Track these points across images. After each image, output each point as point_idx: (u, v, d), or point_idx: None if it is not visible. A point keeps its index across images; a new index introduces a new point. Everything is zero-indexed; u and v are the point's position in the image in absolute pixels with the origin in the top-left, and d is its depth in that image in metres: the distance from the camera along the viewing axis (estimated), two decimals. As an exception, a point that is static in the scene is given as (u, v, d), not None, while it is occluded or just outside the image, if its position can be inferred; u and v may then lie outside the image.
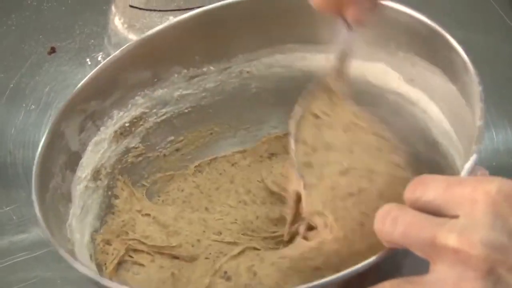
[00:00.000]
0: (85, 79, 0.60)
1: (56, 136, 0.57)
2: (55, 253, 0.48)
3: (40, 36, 0.87)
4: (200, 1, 0.75)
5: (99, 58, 0.83)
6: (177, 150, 0.67)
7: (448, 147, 0.58)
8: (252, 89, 0.67)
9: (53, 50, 0.85)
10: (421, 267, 0.42)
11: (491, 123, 0.73)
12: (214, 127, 0.68)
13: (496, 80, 0.74)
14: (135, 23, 0.81)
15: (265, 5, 0.63)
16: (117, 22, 0.82)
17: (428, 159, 0.60)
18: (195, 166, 0.68)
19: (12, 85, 0.82)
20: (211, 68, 0.66)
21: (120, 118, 0.63)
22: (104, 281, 0.47)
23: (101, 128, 0.61)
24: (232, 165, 0.68)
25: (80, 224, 0.57)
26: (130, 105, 0.63)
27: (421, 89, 0.59)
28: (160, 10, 0.79)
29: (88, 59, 0.83)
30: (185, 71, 0.65)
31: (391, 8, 0.58)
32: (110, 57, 0.61)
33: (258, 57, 0.66)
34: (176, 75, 0.65)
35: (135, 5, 0.80)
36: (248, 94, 0.67)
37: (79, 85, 0.59)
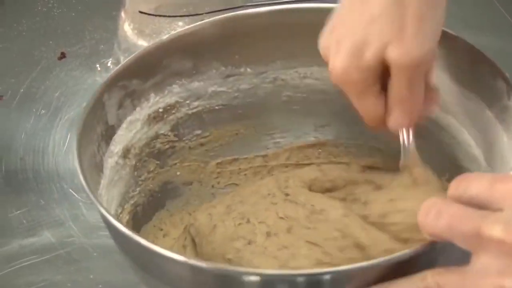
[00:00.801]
0: (130, 56, 0.60)
1: (98, 104, 0.57)
2: (65, 256, 0.47)
3: (50, 42, 0.86)
4: (208, 7, 0.77)
5: (109, 64, 0.83)
6: (201, 144, 0.67)
7: (474, 171, 0.58)
8: (283, 97, 0.68)
9: (63, 56, 0.85)
10: (455, 263, 0.42)
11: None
12: (240, 128, 0.68)
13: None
14: (145, 29, 0.82)
15: (310, 16, 0.64)
16: (127, 28, 0.83)
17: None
18: (217, 163, 0.68)
19: (22, 90, 0.81)
20: (248, 70, 0.66)
21: (155, 102, 0.63)
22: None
23: (137, 108, 0.61)
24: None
25: (107, 196, 0.56)
26: (166, 91, 0.63)
27: (453, 114, 0.60)
28: (169, 16, 0.80)
29: (98, 65, 0.83)
30: (223, 68, 0.65)
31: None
32: (157, 40, 0.62)
33: (295, 66, 0.66)
34: (214, 71, 0.65)
35: (144, 11, 0.81)
36: (278, 101, 0.68)
37: (124, 61, 0.60)
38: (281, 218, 0.58)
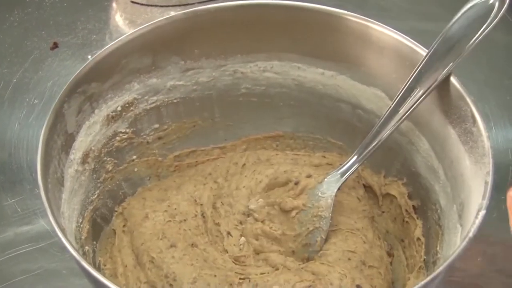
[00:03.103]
0: (88, 61, 0.54)
1: (58, 117, 0.52)
2: (60, 244, 0.44)
3: (43, 32, 0.82)
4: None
5: None
6: (159, 138, 0.63)
7: (433, 182, 0.57)
8: (241, 89, 0.64)
9: (55, 46, 0.81)
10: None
11: (491, 118, 0.72)
12: (198, 120, 0.64)
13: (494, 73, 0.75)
14: (137, 19, 0.80)
15: (272, 12, 0.60)
16: (118, 18, 0.81)
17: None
18: (174, 156, 0.64)
19: (15, 80, 0.77)
20: (208, 63, 0.62)
21: (114, 102, 0.58)
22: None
23: (96, 111, 0.57)
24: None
25: (68, 211, 0.52)
26: (125, 90, 0.58)
27: (413, 122, 0.58)
28: (161, 6, 0.76)
29: (90, 55, 0.78)
30: (182, 62, 0.61)
31: (396, 39, 0.56)
32: (115, 41, 0.56)
33: (255, 60, 0.62)
34: (173, 66, 0.60)
35: (137, 1, 0.78)
36: (237, 93, 0.64)
37: (83, 67, 0.54)
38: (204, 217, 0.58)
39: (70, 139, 0.54)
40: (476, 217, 0.46)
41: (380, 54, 0.58)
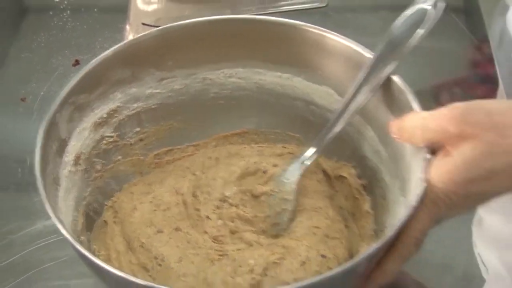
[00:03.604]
0: (77, 75, 0.62)
1: (51, 125, 0.59)
2: None
3: (66, 51, 0.92)
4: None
5: None
6: (141, 140, 0.70)
7: (378, 163, 0.65)
8: (211, 94, 0.72)
9: (77, 63, 0.90)
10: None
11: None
12: (174, 122, 0.72)
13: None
14: None
15: (235, 26, 0.68)
16: (131, 38, 0.86)
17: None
18: (154, 155, 0.72)
19: (42, 93, 0.86)
20: (180, 73, 0.70)
21: (100, 110, 0.65)
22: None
23: (84, 118, 0.64)
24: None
25: (65, 207, 0.60)
26: (109, 99, 0.66)
27: (361, 115, 0.66)
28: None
29: None
30: (158, 73, 0.68)
31: (346, 45, 0.65)
32: (99, 56, 0.64)
33: (221, 68, 0.70)
34: (150, 76, 0.68)
35: (146, 23, 0.88)
36: (207, 97, 0.72)
37: (72, 80, 0.62)
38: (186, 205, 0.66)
39: (63, 144, 0.61)
40: (417, 189, 0.54)
41: (331, 58, 0.66)
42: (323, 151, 0.67)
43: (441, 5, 0.61)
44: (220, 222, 0.64)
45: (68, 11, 0.98)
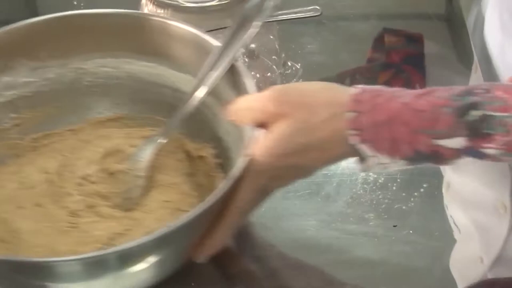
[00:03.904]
0: None
1: None
2: None
3: None
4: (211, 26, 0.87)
5: None
6: (17, 125, 0.75)
7: (230, 143, 0.71)
8: (84, 82, 0.77)
9: None
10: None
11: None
12: (50, 109, 0.77)
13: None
14: None
15: (101, 19, 0.74)
16: (146, 11, 0.90)
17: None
18: (32, 139, 0.76)
19: None
20: (53, 62, 0.75)
21: (-29, 95, 0.71)
22: None
23: (-47, 101, 0.69)
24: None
25: None
26: (-19, 86, 0.71)
27: (215, 97, 0.72)
28: None
29: None
30: (31, 63, 0.73)
31: (195, 34, 0.72)
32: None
33: (92, 58, 0.76)
34: (22, 66, 0.73)
35: None
36: (81, 85, 0.77)
37: None
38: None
39: None
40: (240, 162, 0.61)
41: (185, 47, 0.73)
42: (188, 132, 0.74)
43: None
44: (79, 197, 0.69)
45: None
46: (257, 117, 0.63)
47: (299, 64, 0.89)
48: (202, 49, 0.71)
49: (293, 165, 0.62)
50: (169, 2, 0.92)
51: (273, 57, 0.90)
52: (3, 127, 0.75)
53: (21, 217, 0.68)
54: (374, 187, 0.75)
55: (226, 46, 0.68)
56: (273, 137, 0.61)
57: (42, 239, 0.66)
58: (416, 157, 0.58)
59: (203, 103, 0.73)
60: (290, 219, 0.73)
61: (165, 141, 0.71)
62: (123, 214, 0.68)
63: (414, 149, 0.58)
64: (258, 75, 0.87)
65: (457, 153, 0.57)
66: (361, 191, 0.75)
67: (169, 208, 0.69)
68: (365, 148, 0.59)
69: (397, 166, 0.60)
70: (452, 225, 0.74)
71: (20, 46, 0.72)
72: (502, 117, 0.55)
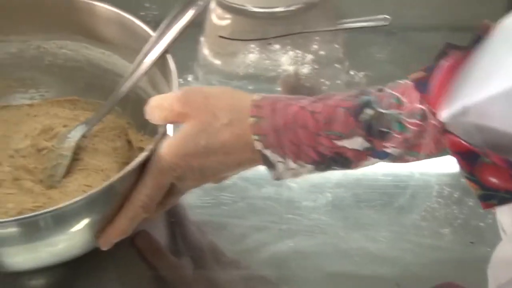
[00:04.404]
0: None
1: None
2: None
3: None
4: (273, 33, 0.90)
5: (189, 79, 0.91)
6: (-22, 96, 0.79)
7: None
8: (46, 61, 0.79)
9: None
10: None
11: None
12: (11, 82, 0.80)
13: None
14: (220, 51, 0.94)
15: (60, 4, 0.76)
16: (205, 50, 0.94)
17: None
18: None
19: None
20: (15, 38, 0.78)
21: None
22: None
23: None
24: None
25: None
26: None
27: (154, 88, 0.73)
28: (243, 40, 0.92)
29: (181, 79, 0.89)
30: (-6, 36, 0.77)
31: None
32: None
33: (53, 39, 0.78)
34: (-15, 38, 0.77)
35: (223, 36, 0.94)
36: (42, 64, 0.79)
37: None
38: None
39: None
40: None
41: (130, 38, 0.74)
42: (133, 122, 0.76)
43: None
44: (8, 169, 0.72)
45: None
46: (165, 116, 0.63)
47: (363, 73, 0.88)
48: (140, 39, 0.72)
49: (197, 167, 0.61)
50: (238, 6, 0.95)
51: (337, 65, 0.90)
52: (-37, 94, 0.78)
53: None
54: (449, 201, 0.74)
55: (162, 34, 0.70)
56: (179, 137, 0.62)
57: None
58: (322, 160, 0.58)
59: (147, 94, 0.74)
60: (362, 228, 0.73)
61: (96, 125, 0.72)
62: (42, 191, 0.70)
63: (317, 151, 0.58)
64: (327, 82, 0.88)
65: (360, 155, 0.57)
66: (436, 204, 0.74)
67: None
68: (270, 154, 0.59)
69: (307, 171, 0.60)
70: (500, 229, 0.73)
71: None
72: (396, 114, 0.55)
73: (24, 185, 0.70)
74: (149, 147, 0.62)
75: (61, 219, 0.60)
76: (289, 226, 0.73)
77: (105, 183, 0.60)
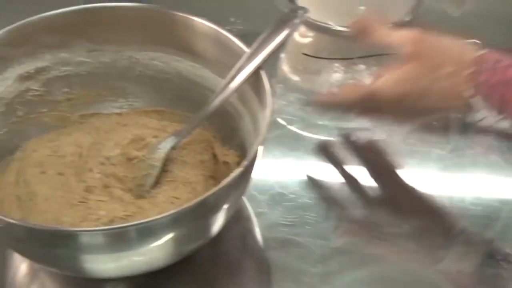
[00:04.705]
0: (3, 29, 0.72)
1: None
2: None
3: None
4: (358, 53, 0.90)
5: None
6: (68, 99, 0.79)
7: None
8: (136, 71, 0.80)
9: None
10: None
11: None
12: (102, 91, 0.80)
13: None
14: (299, 67, 0.95)
15: (157, 17, 0.77)
16: (285, 66, 0.95)
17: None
18: (80, 115, 0.81)
19: None
20: (109, 48, 0.78)
21: (26, 65, 0.75)
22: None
23: (9, 69, 0.74)
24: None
25: None
26: (37, 59, 0.75)
27: (244, 105, 0.73)
28: (327, 59, 0.93)
29: None
30: (88, 44, 0.77)
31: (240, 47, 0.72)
32: (28, 19, 0.73)
33: (145, 50, 0.79)
34: (79, 45, 0.77)
35: (306, 53, 0.95)
36: (133, 74, 0.80)
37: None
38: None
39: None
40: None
41: (223, 53, 0.74)
42: (219, 136, 0.76)
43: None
44: (98, 175, 0.72)
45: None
46: (398, 39, 0.70)
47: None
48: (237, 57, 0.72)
49: (411, 105, 0.69)
50: (321, 24, 0.94)
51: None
52: (56, 99, 0.79)
53: (41, 181, 0.71)
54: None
55: (255, 51, 0.70)
56: (399, 75, 0.68)
57: (52, 206, 0.69)
58: None
59: (234, 109, 0.74)
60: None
61: (186, 137, 0.73)
62: (131, 200, 0.70)
63: None
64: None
65: None
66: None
67: (175, 205, 0.70)
68: (477, 101, 0.65)
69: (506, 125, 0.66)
70: None
71: (80, 28, 0.76)
72: None
73: (114, 193, 0.71)
74: (244, 163, 0.62)
75: (151, 231, 0.60)
76: (374, 251, 0.71)
77: (199, 198, 0.59)
